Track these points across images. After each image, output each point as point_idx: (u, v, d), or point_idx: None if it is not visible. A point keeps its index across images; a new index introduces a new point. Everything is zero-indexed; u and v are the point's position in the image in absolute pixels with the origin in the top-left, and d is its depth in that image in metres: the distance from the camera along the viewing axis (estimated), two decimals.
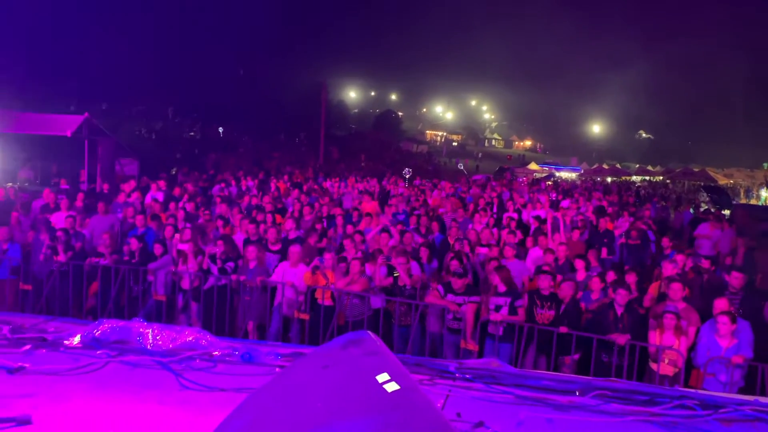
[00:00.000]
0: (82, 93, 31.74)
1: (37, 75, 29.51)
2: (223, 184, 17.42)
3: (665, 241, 10.31)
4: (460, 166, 56.06)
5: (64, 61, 32.50)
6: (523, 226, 12.09)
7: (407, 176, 26.15)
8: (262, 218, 10.80)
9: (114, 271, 8.25)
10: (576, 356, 6.90)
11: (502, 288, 7.22)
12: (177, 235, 9.29)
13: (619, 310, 6.83)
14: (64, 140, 16.24)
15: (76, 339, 3.46)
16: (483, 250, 9.46)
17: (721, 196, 29.05)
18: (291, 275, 7.86)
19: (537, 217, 12.32)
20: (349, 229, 9.96)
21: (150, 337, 3.44)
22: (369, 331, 1.94)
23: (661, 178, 46.83)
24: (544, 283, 7.20)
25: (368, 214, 11.44)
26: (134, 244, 8.77)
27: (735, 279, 7.49)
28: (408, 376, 1.71)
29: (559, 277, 7.74)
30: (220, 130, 45.78)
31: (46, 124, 16.84)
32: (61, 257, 8.49)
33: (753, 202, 32.95)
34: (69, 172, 17.38)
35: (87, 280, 8.33)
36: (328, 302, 7.74)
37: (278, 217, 11.20)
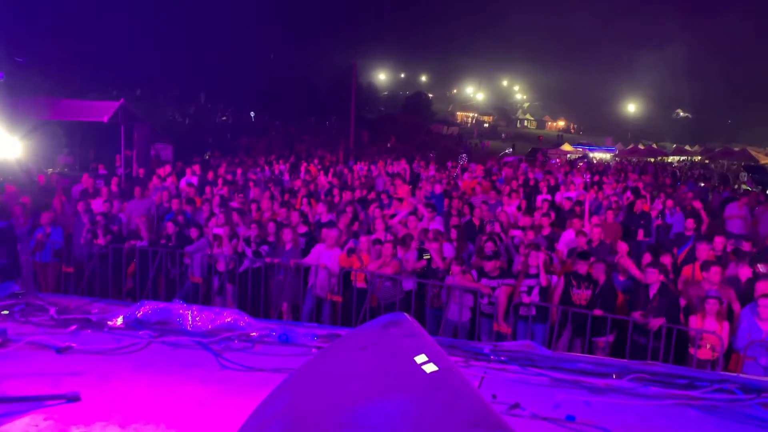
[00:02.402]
0: (117, 79, 32.32)
1: (74, 62, 30.13)
2: (257, 168, 17.61)
3: (689, 223, 10.02)
4: (488, 145, 55.17)
5: (99, 49, 33.11)
6: (556, 208, 11.93)
7: (462, 162, 24.54)
8: (294, 201, 10.91)
9: (152, 253, 8.45)
10: (610, 338, 6.82)
11: (534, 270, 7.18)
12: (213, 219, 9.45)
13: (651, 291, 6.72)
14: (101, 126, 16.58)
15: (119, 320, 3.57)
16: (517, 233, 9.37)
17: (763, 175, 28.16)
18: (326, 257, 7.94)
19: (570, 199, 12.16)
20: (378, 212, 9.97)
21: (190, 318, 3.52)
22: (406, 314, 1.95)
23: (699, 158, 45.57)
24: (582, 266, 7.13)
25: (399, 199, 11.43)
26: (170, 227, 8.96)
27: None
28: (446, 357, 1.72)
29: (592, 259, 7.65)
30: (252, 114, 46.13)
31: (84, 111, 17.21)
32: (101, 240, 8.72)
33: None
34: (106, 157, 17.77)
35: (126, 262, 8.56)
36: (361, 285, 7.80)
37: (312, 201, 11.29)
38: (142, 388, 2.90)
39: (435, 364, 1.70)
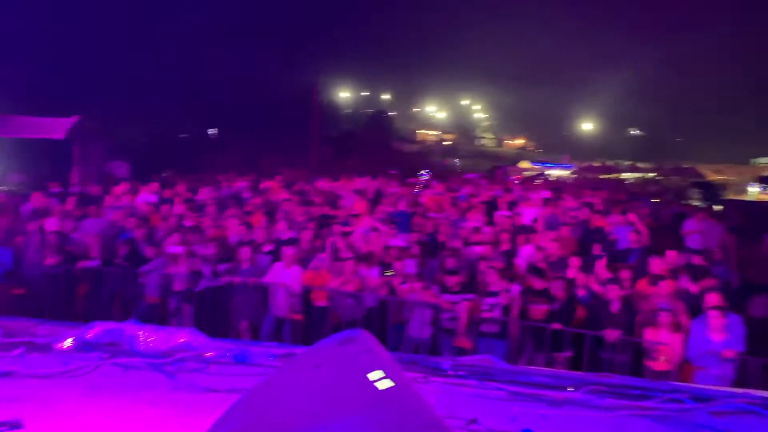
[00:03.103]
0: (73, 95, 31.57)
1: (28, 78, 29.32)
2: (214, 185, 17.34)
3: (632, 236, 10.34)
4: (457, 161, 55.94)
5: (56, 64, 32.34)
6: (515, 224, 12.09)
7: (426, 178, 25.33)
8: (254, 220, 10.76)
9: (106, 274, 8.22)
10: (569, 353, 6.93)
11: (494, 287, 7.25)
12: (169, 238, 9.25)
13: (613, 307, 6.86)
14: (55, 143, 16.15)
15: (68, 342, 3.44)
16: (477, 249, 9.47)
17: (711, 191, 29.28)
18: (285, 276, 7.86)
19: (520, 214, 12.39)
20: (338, 229, 9.94)
21: (142, 338, 3.42)
22: (363, 330, 1.94)
23: (652, 174, 47.10)
24: (537, 281, 7.24)
25: (355, 215, 11.39)
26: (125, 247, 8.74)
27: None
28: (401, 373, 1.71)
29: (551, 274, 7.77)
30: (212, 131, 45.63)
31: (38, 128, 16.75)
32: (51, 260, 8.44)
33: (742, 197, 33.17)
34: (60, 175, 17.27)
35: (78, 283, 8.29)
36: (322, 303, 7.74)
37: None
38: (90, 413, 2.79)
39: (391, 380, 1.69)
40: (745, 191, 35.87)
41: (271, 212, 12.35)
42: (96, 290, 8.27)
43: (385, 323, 7.70)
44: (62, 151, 17.05)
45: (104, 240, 9.56)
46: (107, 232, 10.51)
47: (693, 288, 7.55)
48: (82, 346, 3.39)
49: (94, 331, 3.47)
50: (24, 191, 16.21)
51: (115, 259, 8.88)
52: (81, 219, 10.81)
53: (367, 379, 1.67)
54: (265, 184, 18.89)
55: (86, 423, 2.69)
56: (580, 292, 7.62)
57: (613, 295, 6.90)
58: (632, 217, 12.06)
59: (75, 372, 3.11)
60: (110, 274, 8.25)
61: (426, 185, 21.18)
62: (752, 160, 63.46)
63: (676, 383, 3.03)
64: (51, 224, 9.91)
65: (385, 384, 1.66)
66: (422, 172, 30.12)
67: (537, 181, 30.14)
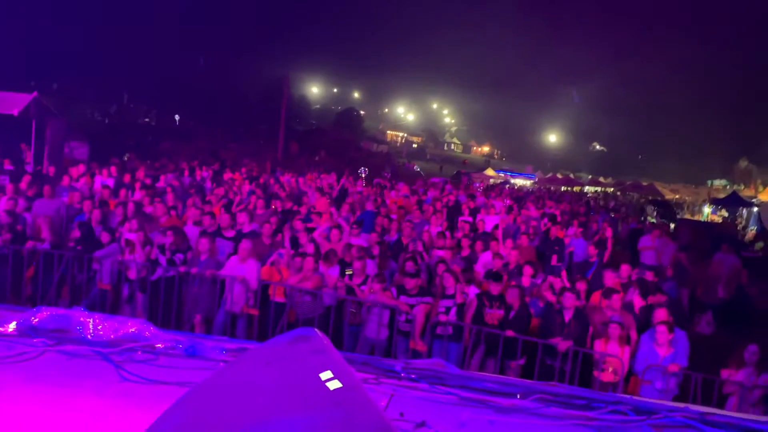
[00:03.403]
0: (31, 71, 30.53)
1: None
2: (176, 173, 17.04)
3: (591, 250, 10.63)
4: (417, 168, 56.35)
5: (13, 37, 31.18)
6: (476, 230, 12.26)
7: (363, 176, 26.15)
8: (215, 210, 10.61)
9: (57, 257, 7.98)
10: (521, 361, 7.04)
11: (450, 291, 7.32)
12: (126, 224, 9.05)
13: (567, 316, 7.00)
14: (10, 119, 15.59)
15: (12, 326, 3.32)
16: (439, 252, 9.55)
17: (667, 210, 30.17)
18: (240, 270, 7.76)
19: (483, 221, 12.57)
20: (299, 225, 9.88)
21: (91, 326, 3.33)
22: (315, 329, 1.93)
23: (612, 189, 48.26)
24: (495, 287, 7.33)
25: (318, 213, 11.36)
26: (79, 231, 8.50)
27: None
28: (352, 374, 1.71)
29: (512, 282, 7.90)
30: (176, 117, 44.78)
31: None
32: (0, 240, 8.16)
33: (696, 217, 34.29)
34: (14, 152, 16.68)
35: (26, 265, 8.03)
36: (279, 299, 7.68)
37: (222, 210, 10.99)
38: (32, 401, 2.71)
39: (340, 380, 1.68)
40: (699, 211, 37.06)
41: (231, 203, 12.21)
42: (46, 273, 8.01)
43: (341, 323, 7.69)
44: (18, 128, 16.48)
45: (57, 222, 9.28)
46: (61, 214, 10.22)
47: (642, 303, 7.78)
48: (26, 331, 3.27)
49: (40, 316, 3.36)
50: None
51: (68, 242, 8.63)
52: (34, 199, 10.49)
53: (318, 378, 1.67)
54: (229, 175, 18.68)
55: (27, 411, 2.60)
56: (540, 303, 7.76)
57: (568, 304, 7.04)
58: (609, 232, 12.39)
59: (17, 358, 3.01)
60: (62, 257, 8.01)
61: (383, 186, 21.36)
62: (708, 182, 65.80)
63: (620, 395, 3.11)
64: (1, 203, 9.58)
65: (334, 384, 1.66)
66: (385, 173, 30.46)
67: (501, 189, 30.63)
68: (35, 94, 16.29)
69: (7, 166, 14.81)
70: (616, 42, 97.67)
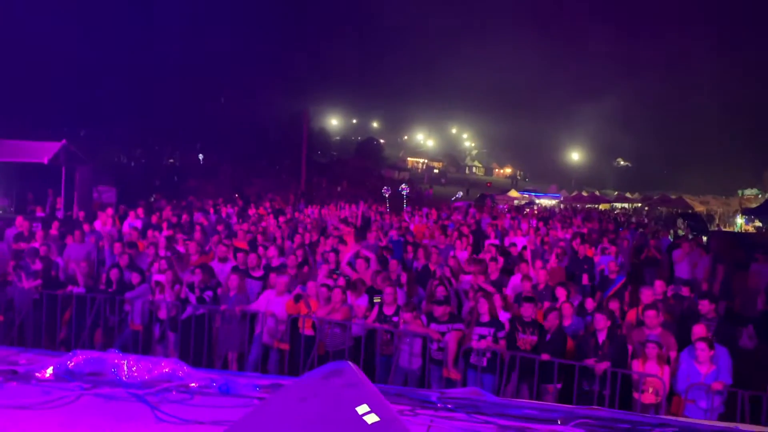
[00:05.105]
0: (60, 119, 31.45)
1: (14, 101, 29.19)
2: (203, 211, 17.28)
3: (611, 266, 10.44)
4: (431, 192, 56.16)
5: (42, 87, 32.21)
6: (504, 253, 12.13)
7: (387, 195, 26.18)
8: (241, 246, 10.70)
9: (89, 300, 8.10)
10: (559, 385, 6.88)
11: (485, 318, 7.20)
12: (155, 264, 9.17)
13: (600, 337, 6.84)
14: (40, 167, 16.04)
15: (49, 371, 3.36)
16: (467, 278, 9.44)
17: (698, 222, 29.53)
18: (275, 304, 7.78)
19: (515, 244, 12.42)
20: (332, 257, 9.91)
21: (125, 368, 3.35)
22: (349, 362, 1.91)
23: (639, 205, 47.53)
24: (527, 311, 7.21)
25: (342, 242, 11.37)
26: (114, 273, 8.63)
27: (703, 306, 7.59)
28: (388, 407, 1.68)
29: (543, 304, 7.77)
30: (200, 156, 45.59)
31: (23, 151, 16.62)
32: (25, 284, 8.32)
33: (729, 228, 33.52)
34: (45, 199, 17.12)
35: (61, 309, 8.16)
36: (308, 332, 7.66)
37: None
38: None
39: (377, 414, 1.66)
40: (732, 222, 36.23)
41: (257, 239, 12.30)
42: (79, 316, 8.13)
43: (372, 353, 7.62)
44: (48, 176, 16.93)
45: (89, 265, 9.45)
46: (92, 257, 10.40)
47: (681, 319, 7.57)
48: (63, 376, 3.31)
49: (76, 359, 3.39)
50: (7, 215, 16.05)
51: (100, 285, 8.77)
52: (65, 244, 10.71)
53: (355, 412, 1.64)
54: (253, 211, 18.88)
55: None
56: (568, 323, 7.60)
57: (600, 325, 6.89)
58: (625, 244, 12.14)
59: (56, 403, 3.03)
60: (94, 300, 8.13)
61: (394, 209, 21.37)
62: (739, 192, 64.38)
63: (665, 417, 3.00)
64: (35, 249, 9.80)
65: (372, 418, 1.63)
66: (402, 187, 30.45)
67: (526, 210, 30.38)
68: (64, 141, 16.75)
69: (39, 213, 15.19)
70: (635, 55, 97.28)
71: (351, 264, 9.58)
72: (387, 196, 26.26)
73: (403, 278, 9.17)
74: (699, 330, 6.54)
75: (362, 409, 1.64)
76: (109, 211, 14.42)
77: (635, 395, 6.51)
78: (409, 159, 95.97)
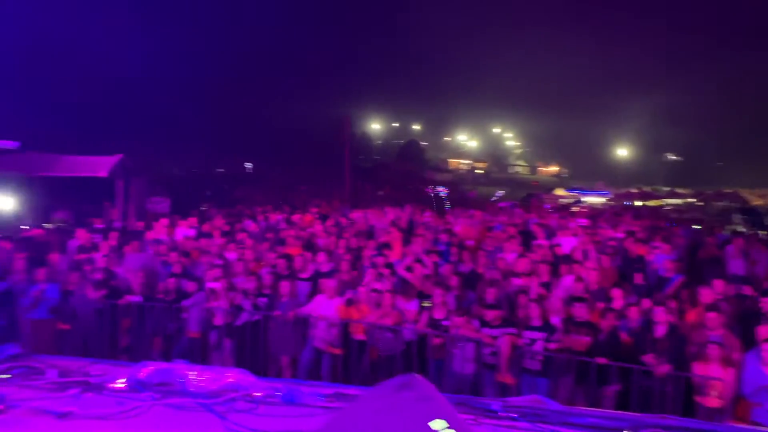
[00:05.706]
0: (116, 135, 32.69)
1: (75, 120, 30.51)
2: (252, 219, 17.60)
3: (667, 264, 10.11)
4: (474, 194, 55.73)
5: (100, 105, 33.63)
6: (553, 254, 11.91)
7: (432, 195, 26.10)
8: (291, 252, 10.86)
9: (148, 309, 8.37)
10: (616, 387, 6.73)
11: (537, 322, 7.11)
12: (209, 272, 9.40)
13: (659, 332, 6.66)
14: (100, 181, 16.71)
15: (121, 382, 3.51)
16: (517, 280, 9.32)
17: (755, 217, 28.40)
18: (326, 308, 7.88)
19: (559, 245, 12.18)
20: (381, 261, 9.94)
21: (192, 378, 3.47)
22: (418, 375, 1.94)
23: (692, 200, 46.04)
24: (580, 312, 7.09)
25: (388, 245, 11.37)
26: (172, 282, 8.90)
27: (765, 304, 7.30)
28: (462, 421, 1.70)
29: (597, 305, 7.62)
30: (248, 165, 46.53)
31: (83, 166, 17.36)
32: (97, 295, 8.65)
33: None
34: (101, 211, 17.79)
35: (121, 318, 8.46)
36: (360, 336, 7.72)
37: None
38: None
39: (450, 428, 1.67)
40: None
41: (306, 244, 12.45)
42: (139, 325, 8.42)
43: (424, 357, 7.62)
44: (106, 189, 17.60)
45: (147, 275, 9.76)
46: (149, 267, 10.74)
47: (743, 319, 7.30)
48: (134, 386, 3.45)
49: (146, 370, 3.53)
50: (69, 228, 16.74)
51: (157, 294, 9.05)
52: (123, 254, 11.08)
53: (428, 427, 1.66)
54: (299, 217, 19.10)
55: None
56: (634, 326, 7.40)
57: (660, 318, 6.71)
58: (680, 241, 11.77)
59: (131, 413, 3.17)
60: (153, 309, 8.40)
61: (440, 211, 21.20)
62: None
63: (738, 425, 2.92)
64: (96, 260, 10.19)
65: None
66: (440, 188, 30.34)
67: (573, 209, 29.78)
68: (121, 155, 17.39)
69: (97, 224, 15.79)
70: (680, 48, 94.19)
71: (409, 268, 9.58)
72: (433, 196, 26.19)
73: (453, 282, 9.12)
74: (765, 331, 6.30)
75: (436, 424, 1.66)
76: (164, 221, 14.86)
77: (698, 399, 6.31)
78: (451, 160, 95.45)
